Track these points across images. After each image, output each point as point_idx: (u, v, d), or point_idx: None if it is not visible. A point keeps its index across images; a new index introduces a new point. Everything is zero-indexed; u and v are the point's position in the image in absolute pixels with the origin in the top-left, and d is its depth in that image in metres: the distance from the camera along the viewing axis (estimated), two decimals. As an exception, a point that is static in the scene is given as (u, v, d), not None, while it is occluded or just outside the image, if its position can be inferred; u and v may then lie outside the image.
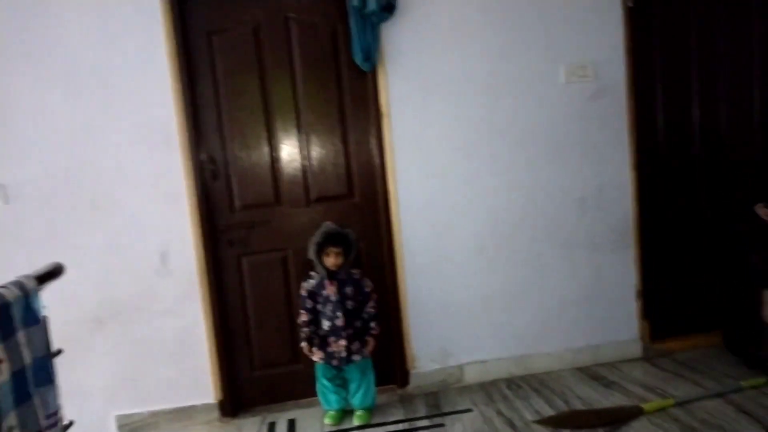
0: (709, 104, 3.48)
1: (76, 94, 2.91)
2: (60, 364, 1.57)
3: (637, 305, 3.43)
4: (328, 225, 2.93)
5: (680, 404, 2.80)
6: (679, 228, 3.51)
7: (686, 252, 3.53)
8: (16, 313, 1.35)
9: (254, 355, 3.23)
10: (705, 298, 3.53)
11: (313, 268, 2.94)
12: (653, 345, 3.46)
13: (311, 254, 2.88)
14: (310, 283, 2.94)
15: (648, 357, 3.43)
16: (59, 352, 1.57)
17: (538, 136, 3.23)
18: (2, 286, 1.35)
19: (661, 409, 2.77)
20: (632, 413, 2.75)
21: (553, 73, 3.22)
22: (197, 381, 3.11)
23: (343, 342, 2.87)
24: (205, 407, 3.13)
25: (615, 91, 3.27)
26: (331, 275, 2.89)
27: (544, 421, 2.76)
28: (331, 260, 2.86)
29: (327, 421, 2.99)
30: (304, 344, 2.93)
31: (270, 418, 3.12)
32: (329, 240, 2.86)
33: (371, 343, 2.94)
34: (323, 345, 2.91)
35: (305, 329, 2.93)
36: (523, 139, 3.23)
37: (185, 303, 3.06)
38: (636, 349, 3.44)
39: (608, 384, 3.14)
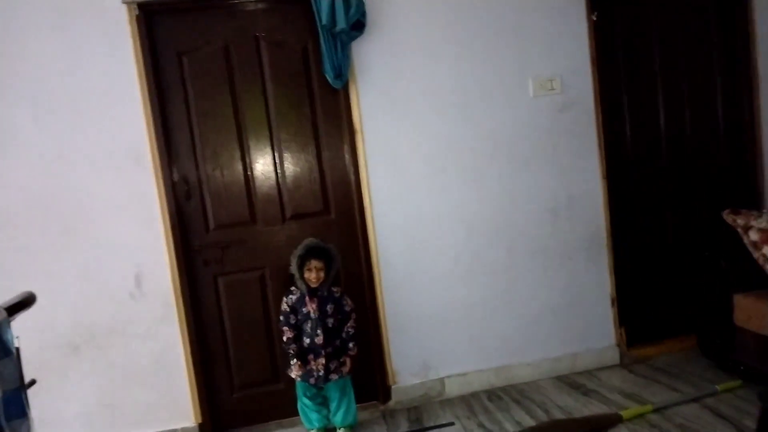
0: (675, 113, 3.57)
1: (45, 119, 2.87)
2: (35, 392, 1.54)
3: (612, 312, 3.48)
4: (311, 239, 2.92)
5: (658, 410, 2.85)
6: (650, 235, 3.58)
7: (659, 258, 3.60)
8: (-14, 346, 1.33)
9: (234, 375, 3.20)
10: (679, 303, 3.59)
11: (294, 284, 2.93)
12: (630, 351, 3.51)
13: (293, 268, 2.87)
14: (291, 299, 2.92)
15: (625, 363, 3.47)
16: (33, 382, 1.55)
17: (509, 148, 3.27)
18: (-29, 319, 1.33)
19: (640, 416, 2.81)
20: (611, 421, 2.78)
21: (521, 86, 3.26)
22: (176, 404, 3.07)
23: (322, 360, 2.86)
24: (185, 431, 3.08)
25: (583, 103, 3.33)
26: (312, 292, 2.88)
27: (524, 432, 2.78)
28: (312, 275, 2.84)
29: (309, 439, 2.98)
30: (294, 361, 2.87)
31: (251, 440, 3.10)
32: (311, 253, 2.85)
33: (348, 363, 2.92)
34: (302, 362, 2.89)
35: (293, 345, 2.89)
36: (495, 152, 3.26)
37: (161, 325, 3.03)
38: (613, 356, 3.48)
39: (587, 392, 3.17)
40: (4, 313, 1.42)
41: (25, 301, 1.54)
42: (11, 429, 1.37)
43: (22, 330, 1.52)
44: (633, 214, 3.53)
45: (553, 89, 3.27)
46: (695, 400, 2.91)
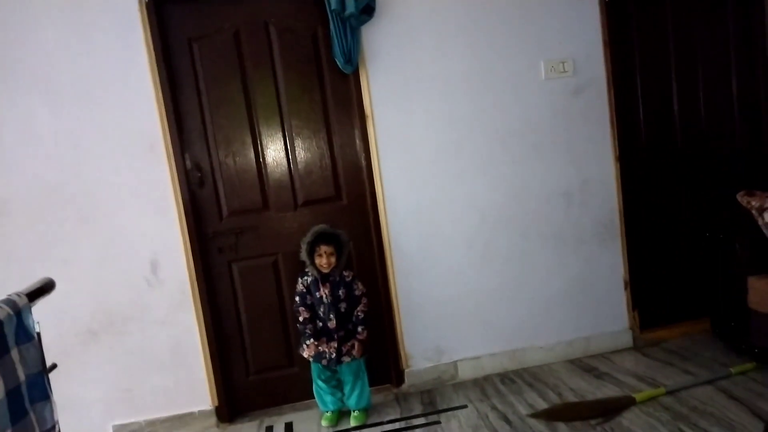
0: (689, 95, 3.53)
1: (59, 107, 2.90)
2: (55, 377, 1.57)
3: (625, 296, 3.47)
4: (320, 225, 2.94)
5: (671, 393, 2.85)
6: (664, 218, 3.56)
7: (672, 241, 3.58)
8: (9, 331, 1.36)
9: (249, 359, 3.24)
10: (692, 286, 3.58)
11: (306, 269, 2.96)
12: (643, 334, 3.51)
13: (303, 255, 2.89)
14: (306, 280, 2.95)
15: (638, 346, 3.48)
16: (54, 366, 1.58)
17: (521, 132, 3.26)
18: (-7, 305, 1.36)
19: (653, 398, 2.81)
20: (624, 403, 2.78)
21: (533, 70, 3.24)
22: (193, 388, 3.12)
23: (334, 344, 2.88)
24: (202, 414, 3.14)
25: (596, 86, 3.30)
26: (324, 277, 2.90)
27: (538, 415, 2.79)
28: (323, 261, 2.86)
29: (324, 422, 3.01)
30: (309, 341, 2.90)
31: (267, 422, 3.14)
32: (321, 239, 2.87)
33: (357, 347, 2.94)
34: (317, 342, 2.92)
35: (309, 325, 2.92)
36: (507, 136, 3.25)
37: (178, 311, 3.07)
38: (626, 339, 3.48)
39: (600, 375, 3.18)
40: (25, 299, 1.44)
41: (45, 287, 1.57)
42: (35, 411, 1.41)
43: (41, 316, 1.54)
44: (646, 197, 3.51)
45: (565, 72, 3.25)
46: (709, 382, 2.91)
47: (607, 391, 2.98)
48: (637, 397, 2.81)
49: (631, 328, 3.50)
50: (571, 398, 2.94)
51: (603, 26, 3.28)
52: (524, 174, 3.28)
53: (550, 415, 2.78)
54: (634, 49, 3.44)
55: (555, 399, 2.96)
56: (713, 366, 3.10)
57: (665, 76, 3.49)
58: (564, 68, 3.24)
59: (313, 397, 3.08)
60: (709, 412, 2.63)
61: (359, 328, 2.95)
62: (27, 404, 1.39)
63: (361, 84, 3.11)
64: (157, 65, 2.94)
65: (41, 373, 1.48)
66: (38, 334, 1.49)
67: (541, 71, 3.24)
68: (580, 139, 3.31)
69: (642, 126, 3.49)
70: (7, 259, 2.91)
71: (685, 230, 3.58)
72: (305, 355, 2.94)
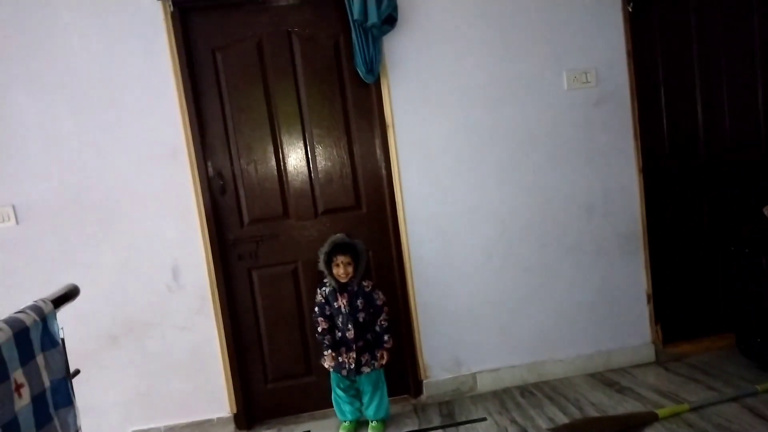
0: (713, 106, 3.48)
1: (83, 113, 2.95)
2: (76, 382, 1.58)
3: (648, 309, 3.42)
4: (336, 235, 2.94)
5: (695, 409, 2.79)
6: (687, 230, 3.50)
7: (696, 254, 3.52)
8: (35, 337, 1.37)
9: (268, 367, 3.25)
10: (716, 300, 3.52)
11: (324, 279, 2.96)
12: (665, 349, 3.45)
13: (321, 265, 2.90)
14: (324, 291, 2.95)
15: (660, 361, 3.42)
16: (77, 372, 1.59)
17: (542, 142, 3.24)
18: (20, 311, 1.37)
19: (676, 415, 2.76)
20: (647, 419, 2.73)
21: (555, 79, 3.22)
22: (212, 395, 3.13)
23: (353, 354, 2.88)
24: (220, 421, 3.14)
25: (618, 96, 3.27)
26: (342, 287, 2.90)
27: (558, 429, 2.75)
28: (340, 270, 2.86)
29: (341, 432, 3.01)
30: (328, 352, 2.90)
31: (285, 430, 3.13)
32: (337, 249, 2.87)
33: (385, 356, 2.93)
34: (335, 353, 2.91)
35: (327, 336, 2.91)
36: (528, 146, 3.23)
37: (198, 317, 3.09)
38: (648, 354, 3.43)
39: (621, 390, 3.13)
40: (51, 306, 1.46)
41: (70, 293, 1.58)
42: (59, 417, 1.42)
43: (64, 320, 1.56)
44: (670, 209, 3.46)
45: (588, 82, 3.22)
46: (734, 399, 2.84)
47: (628, 406, 2.93)
48: (660, 413, 2.76)
49: (654, 342, 3.44)
50: (592, 413, 2.90)
51: (626, 36, 3.25)
52: (546, 184, 3.26)
53: (570, 429, 2.74)
54: (657, 60, 3.40)
55: (575, 413, 2.91)
56: (738, 383, 3.03)
57: (689, 87, 3.45)
58: (587, 78, 3.22)
59: (331, 406, 3.07)
60: (734, 430, 2.57)
61: (385, 337, 2.94)
62: (51, 410, 1.40)
63: (383, 93, 3.12)
64: (181, 73, 2.97)
65: (65, 379, 1.49)
66: (62, 340, 1.51)
67: (563, 81, 3.21)
68: (602, 150, 3.28)
69: (665, 137, 3.44)
70: (30, 264, 2.96)
71: (709, 243, 3.52)
72: (326, 365, 2.93)
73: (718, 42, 3.45)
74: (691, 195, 3.49)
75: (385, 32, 3.00)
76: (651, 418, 2.74)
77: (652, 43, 3.38)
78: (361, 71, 3.01)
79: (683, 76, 3.44)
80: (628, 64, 3.27)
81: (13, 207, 2.95)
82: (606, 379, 3.28)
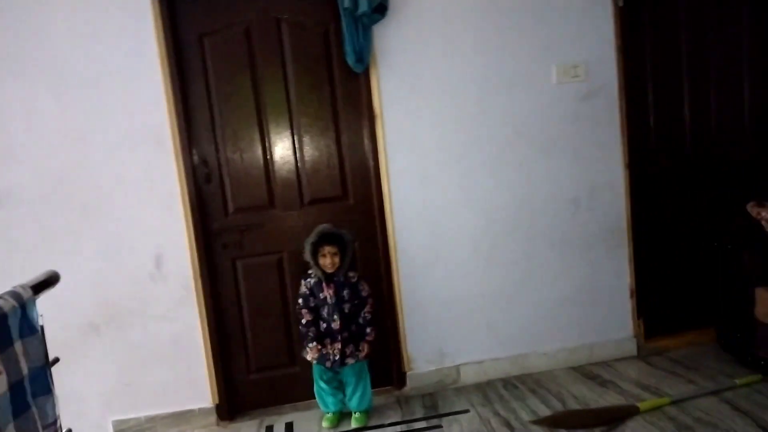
0: (700, 102, 3.50)
1: (67, 98, 2.88)
2: (56, 370, 1.55)
3: (631, 303, 3.45)
4: (323, 225, 2.92)
5: (675, 402, 2.82)
6: (671, 226, 3.53)
7: (679, 250, 3.55)
8: (13, 324, 1.33)
9: (251, 358, 3.23)
10: (698, 296, 3.55)
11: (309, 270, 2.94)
12: (647, 343, 3.48)
13: (307, 255, 2.87)
14: (309, 282, 2.93)
15: (642, 355, 3.45)
16: (56, 360, 1.55)
17: (530, 136, 3.24)
18: (-2, 297, 1.34)
19: (657, 408, 2.79)
20: (628, 412, 2.76)
21: (544, 73, 3.22)
22: (194, 385, 3.11)
23: (338, 345, 2.86)
24: (202, 411, 3.12)
25: (607, 91, 3.27)
26: (329, 278, 2.88)
27: (540, 422, 2.77)
28: (327, 261, 2.84)
29: (325, 423, 2.99)
30: (312, 345, 2.88)
31: (267, 422, 3.12)
32: (324, 239, 2.85)
33: (366, 348, 2.93)
34: (320, 345, 2.90)
35: (312, 328, 2.90)
36: (516, 139, 3.23)
37: (180, 307, 3.05)
38: (630, 348, 3.46)
39: (603, 383, 3.16)
40: (30, 292, 1.42)
41: (50, 280, 1.54)
42: (37, 406, 1.39)
43: (44, 308, 1.52)
44: (655, 205, 3.48)
45: (577, 76, 3.22)
46: (714, 393, 2.88)
47: (610, 399, 2.96)
48: (641, 406, 2.79)
49: (636, 336, 3.47)
50: (574, 405, 2.92)
51: (616, 31, 3.25)
52: (532, 177, 3.26)
53: (552, 422, 2.76)
54: (646, 55, 3.41)
55: (558, 406, 2.93)
56: (718, 377, 3.07)
57: (677, 83, 3.47)
58: (576, 73, 3.22)
59: (314, 397, 3.06)
60: (713, 423, 2.61)
61: (368, 329, 2.93)
62: (29, 398, 1.37)
63: (371, 83, 3.09)
64: (167, 59, 2.92)
65: (44, 367, 1.46)
66: (41, 327, 1.47)
67: (552, 75, 3.21)
68: (589, 145, 3.29)
69: (652, 133, 3.46)
70: (10, 250, 2.90)
71: (692, 239, 3.54)
72: (308, 357, 2.92)
73: (706, 39, 3.46)
74: (677, 191, 3.51)
75: (375, 21, 2.97)
76: (632, 411, 2.76)
77: (641, 39, 3.39)
78: (350, 60, 2.98)
79: (671, 72, 3.45)
80: (617, 60, 3.27)
81: (-6, 192, 2.89)
82: (588, 373, 3.31)
